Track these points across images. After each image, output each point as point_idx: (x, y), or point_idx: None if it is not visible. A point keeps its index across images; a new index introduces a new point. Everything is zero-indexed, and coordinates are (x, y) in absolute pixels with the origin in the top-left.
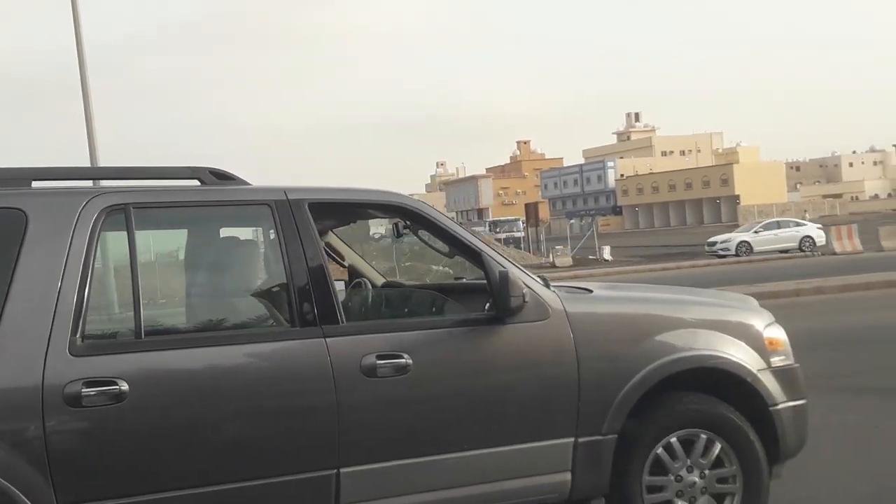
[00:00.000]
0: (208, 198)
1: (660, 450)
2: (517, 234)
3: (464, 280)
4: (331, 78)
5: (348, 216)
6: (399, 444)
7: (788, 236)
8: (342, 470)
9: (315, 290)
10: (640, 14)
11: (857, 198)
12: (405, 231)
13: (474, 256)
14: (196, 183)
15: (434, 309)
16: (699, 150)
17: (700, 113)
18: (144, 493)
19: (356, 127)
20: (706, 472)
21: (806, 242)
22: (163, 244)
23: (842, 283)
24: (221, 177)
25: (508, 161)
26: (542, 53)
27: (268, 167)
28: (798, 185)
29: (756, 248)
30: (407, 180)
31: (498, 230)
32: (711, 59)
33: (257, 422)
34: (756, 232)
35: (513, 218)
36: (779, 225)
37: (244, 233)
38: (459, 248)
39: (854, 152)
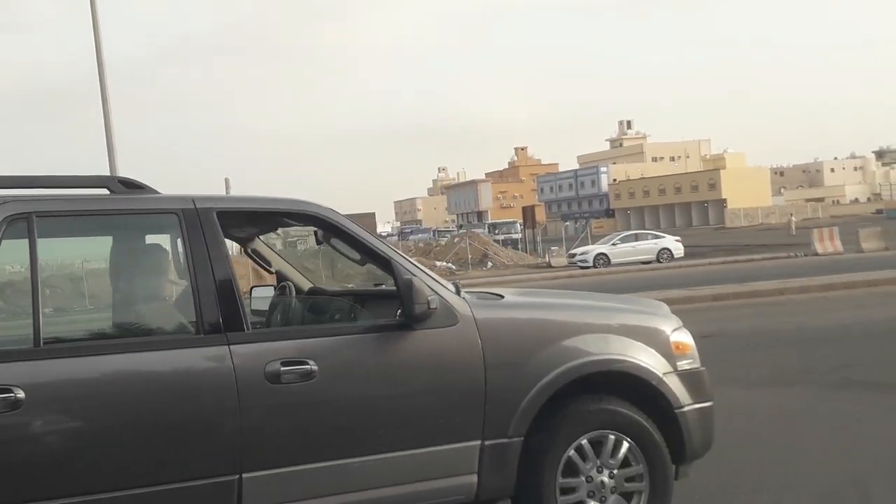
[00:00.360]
0: (115, 206)
1: (572, 451)
2: (515, 236)
3: (383, 286)
4: (338, 86)
5: (268, 224)
6: (304, 448)
7: (646, 248)
8: (245, 475)
9: (220, 297)
10: (633, 25)
11: (838, 202)
12: (323, 239)
13: (384, 264)
14: (105, 192)
15: (352, 315)
16: (688, 156)
17: (689, 120)
18: (41, 499)
19: (362, 133)
20: (615, 471)
21: (664, 254)
22: (68, 253)
23: (825, 282)
24: (131, 186)
25: (507, 166)
26: (539, 63)
27: (278, 171)
28: (782, 190)
29: (614, 260)
30: (410, 184)
31: (496, 232)
32: (700, 68)
33: (158, 428)
34: (614, 244)
35: (511, 220)
36: (637, 237)
37: (151, 241)
38: (370, 255)
39: (835, 158)
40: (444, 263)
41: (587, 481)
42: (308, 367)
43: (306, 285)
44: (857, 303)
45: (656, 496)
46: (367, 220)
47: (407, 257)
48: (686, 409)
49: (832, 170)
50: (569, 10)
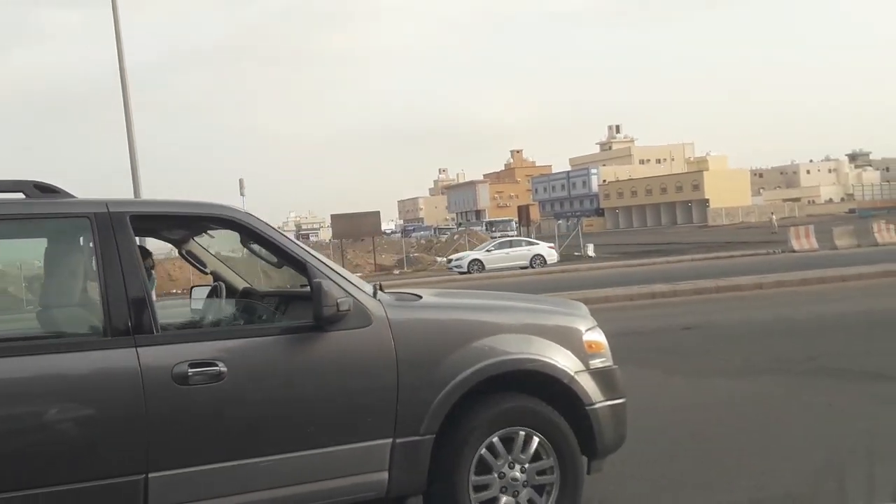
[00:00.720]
0: (28, 210)
1: (484, 448)
2: (510, 233)
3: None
4: (345, 91)
5: (191, 228)
6: (212, 448)
7: (520, 255)
8: (151, 475)
9: (130, 300)
10: (622, 34)
11: (813, 201)
12: (243, 243)
13: (299, 267)
14: (21, 196)
15: (274, 316)
16: (673, 159)
17: (675, 124)
18: None
19: (367, 135)
20: (527, 466)
21: (537, 260)
22: None
23: (800, 277)
24: (46, 190)
25: (503, 168)
26: (534, 68)
27: (289, 171)
28: (761, 190)
29: (488, 266)
30: (412, 184)
31: (493, 230)
32: (687, 75)
33: (64, 429)
34: (488, 251)
35: (507, 219)
36: (511, 244)
37: (63, 245)
38: (286, 258)
39: (811, 161)
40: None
41: (499, 477)
42: (217, 368)
43: (241, 285)
44: (829, 297)
45: (567, 489)
46: (372, 218)
47: (324, 260)
48: (597, 406)
49: (808, 171)
50: (561, 19)
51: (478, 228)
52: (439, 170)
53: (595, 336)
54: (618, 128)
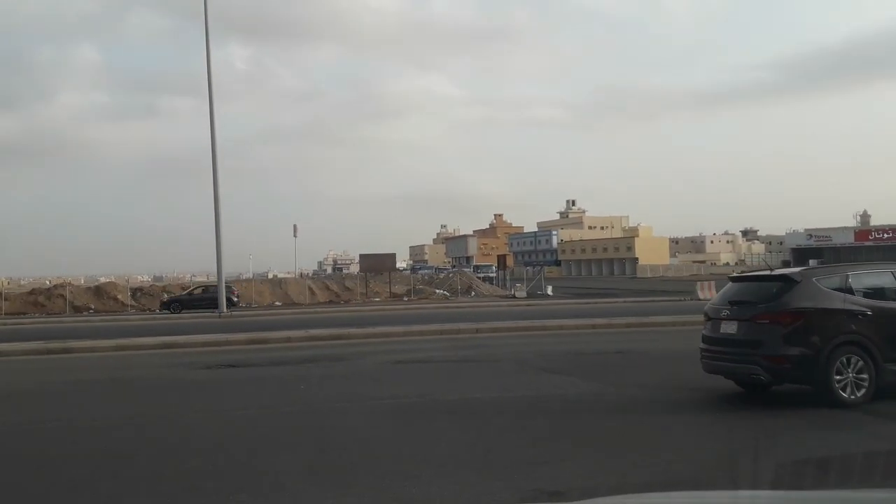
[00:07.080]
0: None
1: None
2: (491, 275)
3: None
4: (377, 166)
5: None
6: None
7: None
8: None
9: None
10: (578, 134)
11: (715, 263)
12: None
13: None
14: None
15: None
16: (613, 227)
17: (616, 200)
18: None
19: (391, 199)
20: None
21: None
22: None
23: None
24: None
25: (488, 226)
26: (514, 157)
27: (332, 222)
28: (676, 254)
29: None
30: (421, 235)
31: (479, 272)
32: (627, 164)
33: None
34: None
35: (489, 264)
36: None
37: None
38: None
39: (714, 234)
40: (441, 291)
41: None
42: None
43: None
44: None
45: None
46: (390, 258)
47: None
48: None
49: (711, 241)
50: (535, 123)
51: (467, 270)
52: (441, 225)
53: None
54: (573, 202)
